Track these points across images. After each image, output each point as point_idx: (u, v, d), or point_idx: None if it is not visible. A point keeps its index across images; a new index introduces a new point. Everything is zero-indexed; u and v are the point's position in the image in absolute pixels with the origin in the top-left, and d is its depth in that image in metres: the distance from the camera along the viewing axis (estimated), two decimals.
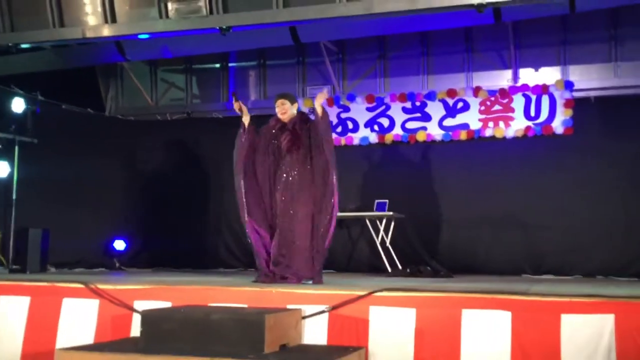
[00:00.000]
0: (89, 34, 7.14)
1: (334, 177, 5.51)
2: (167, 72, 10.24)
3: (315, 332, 4.21)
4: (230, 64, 9.91)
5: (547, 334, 3.75)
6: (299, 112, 5.84)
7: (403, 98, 8.73)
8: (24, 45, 7.57)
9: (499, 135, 8.29)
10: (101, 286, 4.73)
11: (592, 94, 8.17)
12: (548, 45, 8.51)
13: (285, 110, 5.70)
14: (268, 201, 5.65)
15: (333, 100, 9.03)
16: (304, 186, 5.53)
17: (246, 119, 5.75)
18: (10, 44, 7.32)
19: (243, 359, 3.49)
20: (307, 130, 5.64)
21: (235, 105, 5.76)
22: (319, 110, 5.56)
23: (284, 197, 5.53)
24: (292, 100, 5.81)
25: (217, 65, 9.95)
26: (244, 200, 5.57)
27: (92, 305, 4.68)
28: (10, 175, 7.92)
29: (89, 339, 4.54)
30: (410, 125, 8.70)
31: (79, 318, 4.66)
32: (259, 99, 9.68)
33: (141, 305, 4.54)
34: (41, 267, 7.32)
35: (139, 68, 10.13)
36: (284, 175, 5.60)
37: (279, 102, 5.75)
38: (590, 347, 3.66)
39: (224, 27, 6.60)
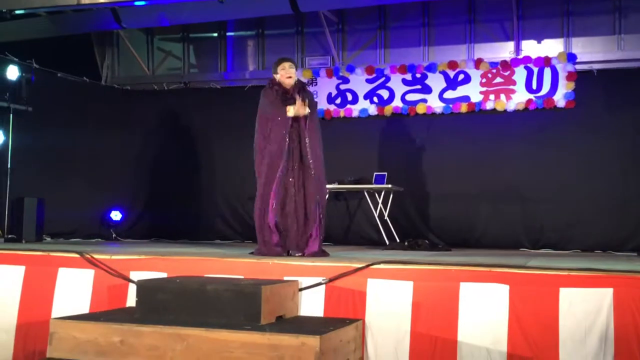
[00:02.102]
0: (85, 0, 7.05)
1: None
2: (164, 40, 10.15)
3: (312, 304, 4.21)
4: (228, 34, 9.82)
5: (545, 308, 3.75)
6: (298, 80, 5.64)
7: (403, 70, 8.66)
8: (18, 11, 7.51)
9: (500, 108, 8.25)
10: (97, 256, 4.72)
11: (595, 66, 8.10)
12: (551, 17, 8.42)
13: (291, 75, 5.47)
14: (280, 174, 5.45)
15: (332, 72, 8.96)
16: (310, 155, 5.40)
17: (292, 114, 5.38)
18: (4, 10, 7.25)
19: (239, 330, 3.50)
20: (305, 99, 5.53)
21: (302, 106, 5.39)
22: (304, 112, 5.38)
23: (294, 170, 5.42)
24: (296, 67, 5.67)
25: (215, 35, 9.86)
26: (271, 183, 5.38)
27: (87, 275, 4.67)
28: (5, 143, 7.89)
29: (84, 308, 4.54)
30: (410, 97, 8.65)
31: (74, 288, 4.66)
32: (257, 69, 9.61)
33: (137, 275, 4.54)
34: (37, 236, 7.32)
35: (135, 36, 10.04)
36: (292, 144, 5.42)
37: (287, 64, 5.48)
38: (588, 321, 3.67)
39: None
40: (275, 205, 5.35)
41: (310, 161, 5.35)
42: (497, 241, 8.02)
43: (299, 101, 5.36)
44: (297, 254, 5.33)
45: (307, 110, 5.40)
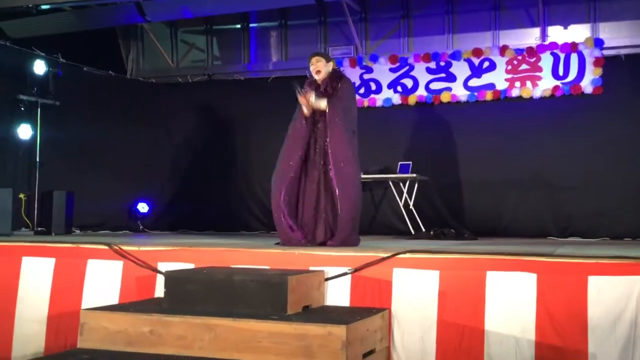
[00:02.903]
0: None
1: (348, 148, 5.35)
2: (188, 33, 10.20)
3: (338, 293, 4.22)
4: (251, 25, 9.85)
5: (574, 296, 3.72)
6: (332, 70, 5.60)
7: (427, 58, 8.61)
8: (43, 6, 7.59)
9: (526, 95, 8.16)
10: (125, 248, 4.76)
11: (623, 52, 7.98)
12: (577, 2, 8.31)
13: (319, 69, 5.48)
14: (299, 167, 5.45)
15: (356, 61, 8.94)
16: (331, 149, 5.39)
17: (307, 111, 5.42)
18: (30, 5, 7.33)
19: (266, 320, 3.52)
20: (340, 88, 5.47)
21: (302, 100, 5.40)
22: (323, 105, 5.37)
23: (319, 163, 5.42)
24: (327, 59, 5.61)
25: (238, 26, 9.89)
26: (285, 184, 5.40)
27: (116, 267, 4.72)
28: (34, 137, 8.00)
29: (113, 299, 4.60)
30: (435, 86, 8.59)
31: (103, 279, 4.72)
32: (280, 60, 9.62)
33: (165, 266, 4.57)
34: (66, 229, 7.43)
35: (159, 29, 10.11)
36: (317, 142, 5.45)
37: (314, 59, 5.52)
38: (618, 309, 3.63)
39: None
40: (287, 196, 5.37)
41: (331, 156, 5.32)
42: (525, 230, 7.96)
43: (301, 98, 5.36)
44: (324, 244, 5.35)
45: (316, 104, 5.35)
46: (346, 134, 5.41)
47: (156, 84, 9.98)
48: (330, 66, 5.57)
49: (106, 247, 4.80)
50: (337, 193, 5.33)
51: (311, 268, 4.30)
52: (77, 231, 8.00)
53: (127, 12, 8.53)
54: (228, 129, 9.53)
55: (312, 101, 5.38)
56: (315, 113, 5.47)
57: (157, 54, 10.16)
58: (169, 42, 10.19)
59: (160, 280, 4.48)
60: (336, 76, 5.59)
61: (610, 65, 7.88)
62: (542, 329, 3.75)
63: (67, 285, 4.78)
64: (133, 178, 9.23)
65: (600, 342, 3.64)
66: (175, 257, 4.68)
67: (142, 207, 9.33)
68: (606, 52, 7.94)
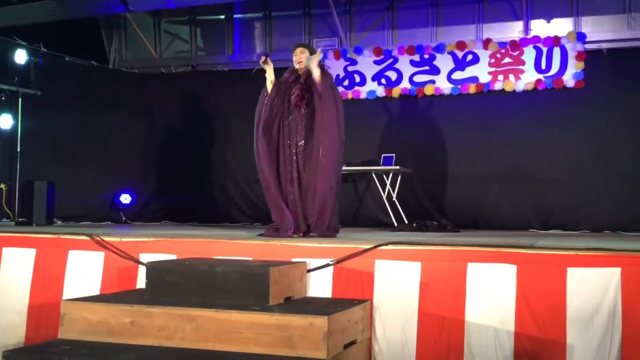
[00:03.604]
0: None
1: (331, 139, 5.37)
2: (171, 23, 10.14)
3: (320, 285, 4.24)
4: (235, 16, 9.81)
5: (553, 287, 3.76)
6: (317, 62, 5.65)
7: (411, 51, 8.63)
8: None
9: (508, 88, 8.21)
10: (107, 238, 4.75)
11: (605, 45, 8.04)
12: None
13: (302, 59, 5.55)
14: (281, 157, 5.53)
15: (340, 53, 8.94)
16: (313, 144, 5.43)
17: (270, 77, 5.53)
18: None
19: (248, 311, 3.53)
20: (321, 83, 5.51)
21: (262, 59, 5.53)
22: (317, 74, 5.41)
23: (297, 152, 5.47)
24: (312, 51, 5.67)
25: (222, 17, 9.84)
26: (260, 162, 5.46)
27: (97, 258, 4.71)
28: (14, 127, 7.94)
29: (95, 290, 4.59)
30: (418, 78, 8.62)
31: (84, 270, 4.71)
32: (264, 52, 9.57)
33: (146, 257, 4.57)
34: (47, 220, 7.37)
35: (142, 19, 10.04)
36: (293, 132, 5.51)
37: (298, 50, 5.61)
38: (596, 300, 3.68)
39: None
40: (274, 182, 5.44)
41: (319, 146, 5.34)
42: (506, 222, 8.02)
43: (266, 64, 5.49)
44: (306, 235, 5.38)
45: (312, 64, 5.41)
46: (335, 120, 5.42)
47: (139, 75, 9.92)
48: (315, 59, 5.53)
49: (87, 238, 4.79)
50: (318, 181, 5.35)
51: (293, 259, 4.32)
52: (59, 222, 7.95)
53: (110, 1, 8.47)
54: (212, 120, 9.50)
55: (315, 62, 5.42)
56: (288, 96, 5.50)
57: (140, 44, 10.09)
58: (152, 32, 10.13)
59: (142, 272, 4.47)
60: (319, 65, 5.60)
61: (592, 59, 7.94)
62: (522, 320, 3.80)
63: (48, 276, 4.77)
64: (115, 169, 9.18)
65: (578, 333, 3.69)
66: (157, 248, 4.68)
67: (125, 199, 9.28)
68: (588, 46, 8.00)
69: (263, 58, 5.57)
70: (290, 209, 5.45)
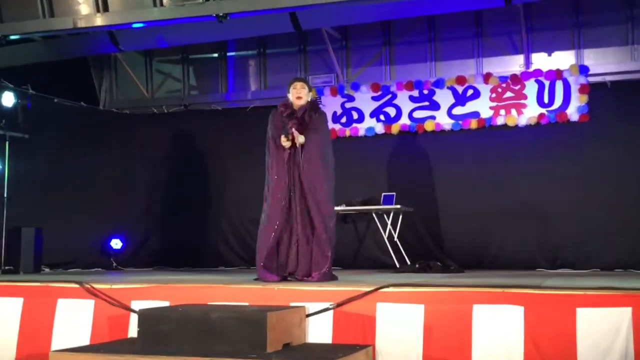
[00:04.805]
0: (81, 24, 7.16)
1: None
2: (163, 62, 10.25)
3: (319, 330, 4.22)
4: (229, 53, 9.92)
5: (562, 329, 3.75)
6: (311, 100, 5.77)
7: (410, 86, 8.72)
8: (12, 37, 7.60)
9: (511, 123, 8.28)
10: (97, 286, 4.75)
11: (609, 78, 8.13)
12: (561, 29, 8.46)
13: (302, 95, 5.65)
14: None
15: (337, 90, 9.03)
16: (306, 183, 5.50)
17: (287, 144, 5.54)
18: None
19: (245, 359, 3.51)
20: (316, 120, 5.60)
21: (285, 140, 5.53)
22: (302, 140, 5.50)
23: (296, 195, 5.52)
24: (310, 88, 5.83)
25: (215, 55, 9.96)
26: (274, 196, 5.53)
27: (87, 306, 4.70)
28: (1, 172, 7.94)
29: (84, 340, 4.56)
30: (418, 114, 8.69)
31: (74, 319, 4.69)
32: (259, 89, 9.69)
33: (138, 304, 4.56)
34: (35, 267, 7.35)
35: (133, 59, 10.15)
36: (290, 167, 5.56)
37: (299, 84, 5.69)
38: (607, 341, 3.66)
39: (221, 14, 6.61)
40: (276, 233, 5.47)
41: (307, 189, 5.43)
42: (513, 262, 7.99)
43: (295, 134, 5.49)
44: (300, 278, 5.38)
45: (301, 140, 5.48)
46: (323, 168, 5.53)
47: (130, 115, 9.99)
48: (310, 95, 5.75)
49: (77, 286, 4.78)
50: (316, 226, 5.41)
51: (292, 304, 4.31)
52: (47, 269, 7.92)
53: (100, 41, 8.58)
54: (205, 161, 9.54)
55: (300, 141, 5.49)
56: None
57: (131, 84, 10.19)
58: (143, 72, 10.23)
59: (133, 320, 4.46)
60: (315, 107, 5.73)
61: (596, 92, 8.02)
62: None
63: (36, 326, 4.74)
64: (106, 213, 9.17)
65: None
66: (149, 294, 4.67)
67: (116, 244, 9.27)
68: (591, 79, 8.09)
69: (284, 138, 5.53)
70: (286, 251, 5.47)
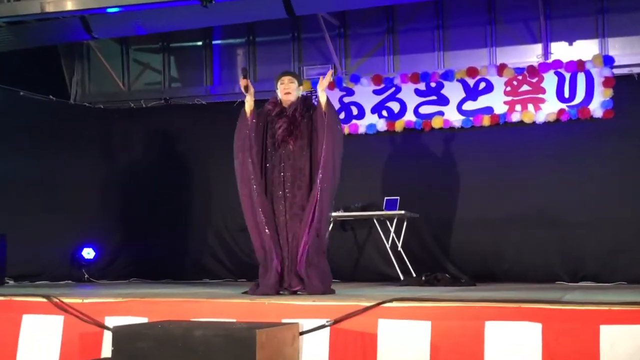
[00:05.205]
0: (49, 8, 7.17)
1: (327, 179, 5.47)
2: (141, 51, 10.26)
3: (314, 349, 4.21)
4: (215, 42, 9.93)
5: (584, 348, 3.75)
6: (303, 96, 5.77)
7: (415, 78, 8.73)
8: None
9: (527, 120, 8.29)
10: (66, 300, 4.74)
11: (636, 70, 8.16)
12: (584, 15, 8.49)
13: (291, 90, 5.63)
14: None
15: (334, 83, 9.04)
16: (302, 186, 5.51)
17: (249, 102, 5.60)
18: None
19: None
20: (309, 118, 5.60)
21: (242, 83, 5.59)
22: (323, 99, 5.52)
23: (285, 195, 5.54)
24: (300, 82, 5.80)
25: (199, 43, 9.97)
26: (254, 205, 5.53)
27: (56, 322, 4.69)
28: None
29: None
30: (425, 109, 8.71)
31: (41, 337, 4.68)
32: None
33: (113, 321, 4.55)
34: None
35: (108, 47, 10.15)
36: (277, 171, 5.58)
37: (286, 79, 5.67)
38: None
39: None
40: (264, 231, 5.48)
41: (317, 188, 5.44)
42: (529, 274, 8.01)
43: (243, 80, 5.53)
44: (293, 291, 5.39)
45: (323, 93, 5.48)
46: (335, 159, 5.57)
47: (105, 110, 10.00)
48: (300, 91, 5.73)
49: (44, 300, 4.77)
50: (315, 228, 5.43)
51: (284, 320, 4.31)
52: (11, 282, 7.92)
53: (71, 28, 8.57)
54: (188, 161, 9.55)
55: (325, 84, 5.55)
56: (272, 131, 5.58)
57: (106, 76, 10.18)
58: (119, 62, 10.23)
59: (107, 338, 4.45)
60: (308, 103, 5.74)
61: (622, 85, 8.04)
62: None
63: None
64: (77, 219, 9.17)
65: None
66: (125, 310, 4.66)
67: (88, 253, 9.26)
68: (617, 71, 8.11)
69: (242, 79, 5.59)
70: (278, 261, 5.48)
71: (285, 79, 5.70)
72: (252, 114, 5.59)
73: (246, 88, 5.57)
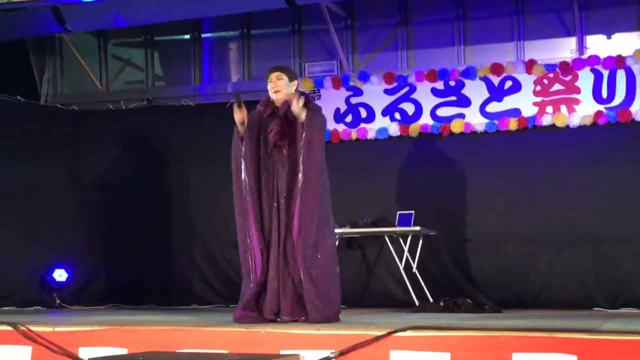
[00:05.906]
0: None
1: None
2: (121, 46, 10.29)
3: None
4: (204, 35, 9.95)
5: None
6: (297, 92, 5.75)
7: (432, 76, 8.74)
8: None
9: (560, 123, 8.29)
10: (35, 328, 4.75)
11: None
12: (623, 4, 8.49)
13: (279, 88, 5.64)
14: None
15: (340, 81, 9.05)
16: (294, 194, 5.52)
17: (242, 131, 5.64)
18: None
19: None
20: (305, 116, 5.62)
21: (238, 116, 5.58)
22: (303, 117, 5.51)
23: (279, 209, 5.55)
24: (292, 77, 5.78)
25: (187, 37, 10.00)
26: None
27: (23, 354, 4.70)
28: None
29: None
30: (443, 112, 8.72)
31: None
32: (242, 80, 9.70)
33: (88, 352, 4.55)
34: None
35: (83, 41, 10.18)
36: (271, 182, 5.59)
37: (274, 75, 5.68)
38: None
39: None
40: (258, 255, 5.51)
41: (300, 203, 5.45)
42: (563, 299, 7.99)
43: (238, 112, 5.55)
44: (293, 320, 5.39)
45: (299, 110, 5.48)
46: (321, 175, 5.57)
47: (79, 112, 10.01)
48: (293, 86, 5.72)
49: (10, 328, 4.78)
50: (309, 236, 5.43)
51: (282, 352, 4.31)
52: None
53: (42, 19, 8.58)
54: (174, 169, 9.55)
55: (298, 106, 5.49)
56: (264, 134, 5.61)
57: (81, 74, 10.20)
58: (96, 58, 10.25)
59: None
60: (305, 101, 5.70)
61: None
62: None
63: None
64: (48, 235, 9.17)
65: None
66: (102, 340, 4.67)
67: (60, 275, 9.25)
68: None
69: (238, 110, 5.59)
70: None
71: (273, 75, 5.71)
72: (245, 141, 5.64)
73: (242, 122, 5.58)
